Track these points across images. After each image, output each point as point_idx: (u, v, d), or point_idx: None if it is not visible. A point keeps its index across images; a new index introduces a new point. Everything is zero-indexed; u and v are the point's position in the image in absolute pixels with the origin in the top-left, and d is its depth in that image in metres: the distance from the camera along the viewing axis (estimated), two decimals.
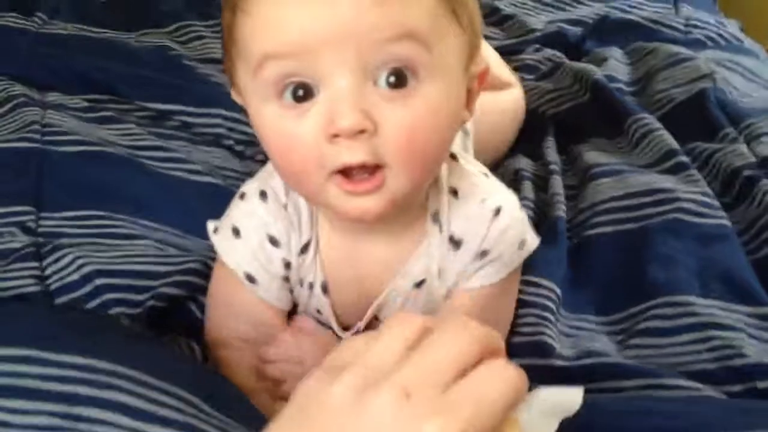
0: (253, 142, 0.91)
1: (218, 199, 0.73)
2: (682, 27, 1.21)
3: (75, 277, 0.67)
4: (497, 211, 0.60)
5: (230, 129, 0.92)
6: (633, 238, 0.78)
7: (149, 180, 0.82)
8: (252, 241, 0.60)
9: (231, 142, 0.92)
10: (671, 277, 0.72)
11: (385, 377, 0.36)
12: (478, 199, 0.60)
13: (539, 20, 1.27)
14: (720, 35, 1.20)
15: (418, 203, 0.59)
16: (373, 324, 0.64)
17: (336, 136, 0.48)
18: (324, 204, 0.54)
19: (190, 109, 0.93)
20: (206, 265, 0.69)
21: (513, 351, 0.64)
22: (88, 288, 0.67)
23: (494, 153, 0.92)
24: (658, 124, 0.92)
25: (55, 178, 0.79)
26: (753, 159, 0.84)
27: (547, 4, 1.35)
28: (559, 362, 0.65)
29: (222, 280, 0.63)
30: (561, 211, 0.81)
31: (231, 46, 0.52)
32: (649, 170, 0.87)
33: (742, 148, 0.86)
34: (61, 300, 0.66)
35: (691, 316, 0.67)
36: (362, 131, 0.48)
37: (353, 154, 0.48)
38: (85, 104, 0.91)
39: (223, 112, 0.93)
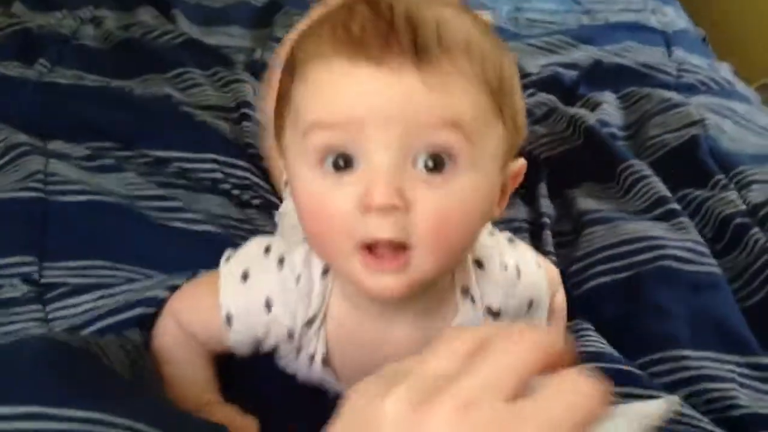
0: (249, 186, 0.93)
1: (218, 248, 0.75)
2: (674, 72, 1.24)
3: (79, 320, 0.68)
4: (518, 270, 0.62)
5: (226, 174, 0.94)
6: (627, 289, 0.79)
7: (150, 230, 0.82)
8: (254, 298, 0.60)
9: (228, 186, 0.93)
10: (665, 329, 0.73)
11: (442, 389, 0.33)
12: (497, 264, 0.61)
13: (534, 64, 1.30)
14: (712, 79, 1.22)
15: (446, 283, 0.59)
16: None
17: (368, 209, 0.49)
18: (345, 275, 0.54)
19: (188, 155, 0.94)
20: None
21: None
22: (90, 330, 0.67)
23: None
24: (648, 171, 0.93)
25: (58, 227, 0.79)
26: (743, 207, 0.85)
27: (541, 48, 1.38)
28: None
29: (204, 295, 0.63)
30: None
31: (284, 108, 0.54)
32: (640, 217, 0.89)
33: (733, 195, 0.87)
34: None
35: (686, 370, 0.68)
36: (394, 207, 0.49)
37: (382, 229, 0.49)
38: (87, 152, 0.92)
39: (219, 157, 0.94)
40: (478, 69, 0.50)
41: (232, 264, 0.62)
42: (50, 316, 0.69)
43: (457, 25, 0.50)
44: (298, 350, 0.62)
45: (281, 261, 0.60)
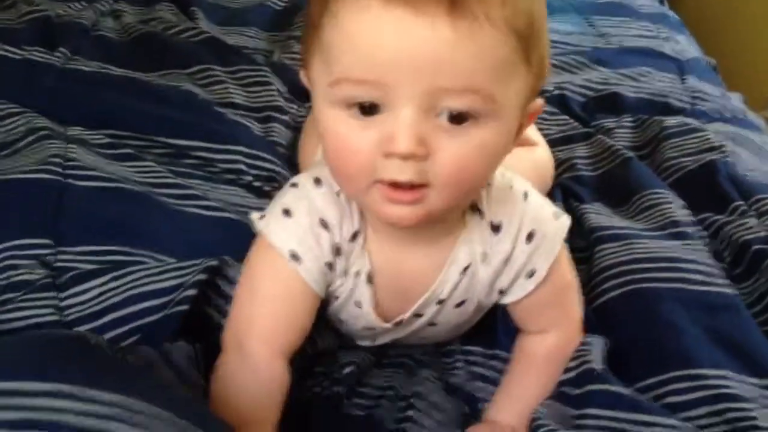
0: (272, 178, 0.93)
1: (235, 233, 0.76)
2: (688, 99, 1.25)
3: (94, 309, 0.68)
4: (525, 195, 0.65)
5: (250, 166, 0.94)
6: (640, 306, 0.78)
7: (166, 216, 0.82)
8: (303, 223, 0.62)
9: (250, 178, 0.93)
10: (682, 348, 0.72)
11: None
12: (507, 185, 0.65)
13: (547, 81, 1.30)
14: (725, 108, 1.23)
15: (458, 212, 0.63)
16: (412, 319, 0.67)
17: (391, 155, 0.52)
18: (364, 204, 0.59)
19: (210, 145, 0.95)
20: (225, 262, 0.70)
21: None
22: (104, 320, 0.67)
23: None
24: (669, 198, 0.93)
25: (74, 212, 0.79)
26: (763, 233, 0.85)
27: (555, 66, 1.38)
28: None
29: (259, 263, 0.64)
30: None
31: (312, 38, 0.56)
32: (652, 234, 0.88)
33: (752, 222, 0.88)
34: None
35: (705, 389, 0.68)
36: (415, 155, 0.52)
37: (402, 173, 0.53)
38: (107, 140, 0.92)
39: (243, 149, 0.95)
40: (510, 15, 0.51)
41: (268, 214, 0.64)
42: (64, 303, 0.69)
43: None
44: (346, 271, 0.64)
45: (317, 181, 0.63)
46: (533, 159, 0.96)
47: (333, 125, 0.55)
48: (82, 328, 0.66)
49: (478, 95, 0.52)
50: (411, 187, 0.54)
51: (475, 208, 0.64)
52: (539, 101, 0.60)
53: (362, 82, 0.52)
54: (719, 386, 0.68)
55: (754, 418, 0.65)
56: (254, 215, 0.65)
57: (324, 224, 0.61)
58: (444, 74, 0.50)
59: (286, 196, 0.63)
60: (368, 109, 0.53)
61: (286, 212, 0.62)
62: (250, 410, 0.59)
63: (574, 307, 0.71)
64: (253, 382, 0.61)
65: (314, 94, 0.57)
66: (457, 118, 0.52)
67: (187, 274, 0.69)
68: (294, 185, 0.64)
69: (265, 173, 0.93)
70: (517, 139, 0.60)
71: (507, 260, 0.65)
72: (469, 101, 0.52)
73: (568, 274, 0.71)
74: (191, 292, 0.67)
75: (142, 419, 0.46)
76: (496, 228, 0.64)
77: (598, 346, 0.71)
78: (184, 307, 0.67)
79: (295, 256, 0.61)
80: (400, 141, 0.52)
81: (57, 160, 0.84)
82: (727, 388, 0.68)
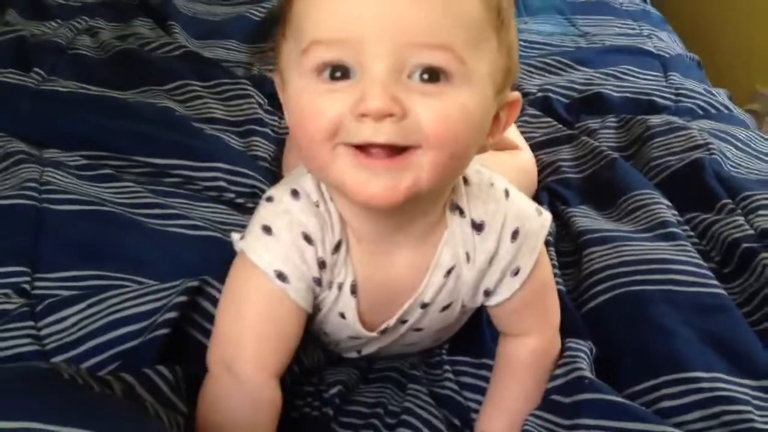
0: (254, 193, 0.92)
1: (219, 251, 0.74)
2: (672, 96, 1.24)
3: (72, 337, 0.66)
4: (506, 192, 0.64)
5: (231, 182, 0.93)
6: (630, 310, 0.77)
7: (147, 238, 0.81)
8: (285, 239, 0.59)
9: (232, 195, 0.92)
10: (673, 350, 0.71)
11: None
12: (486, 183, 0.63)
13: (532, 84, 1.29)
14: (710, 104, 1.23)
15: (440, 204, 0.61)
16: (398, 325, 0.66)
17: (363, 115, 0.51)
18: (337, 183, 0.55)
19: (190, 163, 0.94)
20: (206, 282, 0.69)
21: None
22: (83, 348, 0.66)
23: None
24: (656, 198, 0.92)
25: (52, 237, 0.77)
26: (751, 231, 0.84)
27: (539, 68, 1.38)
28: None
29: (243, 284, 0.61)
30: (561, 285, 0.81)
31: (285, 26, 0.56)
32: (640, 236, 0.88)
33: (740, 220, 0.87)
34: (56, 360, 0.65)
35: (699, 393, 0.67)
36: (390, 115, 0.50)
37: (379, 133, 0.51)
38: (84, 161, 0.91)
39: (224, 165, 0.94)
40: None
41: (248, 233, 0.62)
42: (42, 333, 0.67)
43: None
44: (330, 283, 0.62)
45: (294, 193, 0.61)
46: (517, 163, 0.96)
47: (302, 93, 0.54)
48: (61, 357, 0.65)
49: (449, 53, 0.51)
50: (393, 153, 0.52)
51: (456, 207, 0.62)
52: (516, 93, 0.59)
53: (331, 41, 0.51)
54: (713, 389, 0.67)
55: (752, 420, 0.64)
56: (234, 236, 0.63)
57: (307, 238, 0.59)
58: (413, 28, 0.50)
59: (264, 212, 0.61)
60: (339, 74, 0.52)
61: (266, 229, 0.60)
62: None
63: (555, 308, 0.70)
64: (247, 406, 0.59)
65: (286, 81, 0.56)
66: (430, 77, 0.51)
67: (166, 297, 0.68)
68: (270, 199, 0.62)
69: (247, 189, 0.92)
70: (500, 134, 0.58)
71: (492, 259, 0.63)
72: (440, 57, 0.51)
73: (548, 271, 0.69)
74: (172, 314, 0.66)
75: None
76: (478, 227, 0.62)
77: (586, 352, 0.70)
78: (165, 331, 0.65)
79: (281, 276, 0.59)
80: (372, 97, 0.50)
81: (32, 184, 0.82)
82: (722, 391, 0.67)
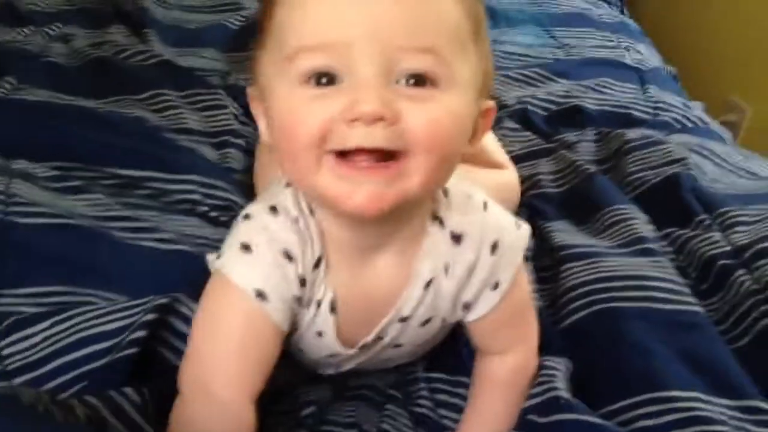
0: (228, 207, 0.91)
1: (192, 266, 0.73)
2: (650, 110, 1.24)
3: (36, 356, 0.64)
4: (485, 205, 0.63)
5: (205, 195, 0.91)
6: (606, 327, 0.77)
7: (117, 251, 0.79)
8: (265, 257, 0.58)
9: (206, 208, 0.90)
10: (650, 369, 0.71)
11: None
12: (465, 195, 0.63)
13: (511, 95, 1.29)
14: (687, 118, 1.23)
15: (422, 213, 0.61)
16: (377, 341, 0.65)
17: (355, 120, 0.50)
18: (317, 195, 0.55)
19: (163, 175, 0.92)
20: (176, 299, 0.68)
21: None
22: (48, 367, 0.64)
23: None
24: (634, 214, 0.92)
25: (17, 251, 0.75)
26: (728, 248, 0.84)
27: (518, 80, 1.38)
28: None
29: (219, 303, 0.59)
30: (539, 301, 0.81)
31: (265, 36, 0.55)
32: (617, 252, 0.87)
33: (717, 236, 0.86)
34: (19, 380, 0.63)
35: (676, 412, 0.66)
36: (381, 119, 0.50)
37: (371, 137, 0.50)
38: (53, 173, 0.89)
39: (198, 178, 0.92)
40: None
41: (225, 251, 0.60)
42: (5, 352, 0.65)
43: None
44: (309, 301, 0.61)
45: (273, 209, 0.59)
46: (501, 182, 0.95)
47: (288, 102, 0.52)
48: (24, 378, 0.63)
49: (436, 57, 0.51)
50: (381, 159, 0.51)
51: (436, 217, 0.62)
52: (491, 101, 0.59)
53: (318, 47, 0.51)
54: (691, 408, 0.66)
55: None
56: (209, 257, 0.62)
57: (288, 255, 0.58)
58: (401, 33, 0.50)
59: (242, 230, 0.60)
60: (326, 81, 0.51)
61: (246, 247, 0.58)
62: None
63: (533, 326, 0.69)
64: (223, 429, 0.58)
65: (268, 90, 0.55)
66: (417, 82, 0.51)
67: (134, 314, 0.66)
68: (248, 217, 0.60)
69: (221, 203, 0.91)
70: (478, 141, 0.58)
71: (471, 271, 0.62)
72: (426, 61, 0.51)
73: (527, 290, 0.69)
74: (140, 333, 0.64)
75: None
76: (457, 238, 0.62)
77: (562, 370, 0.69)
78: (133, 350, 0.64)
79: (261, 295, 0.58)
80: (365, 101, 0.49)
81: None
82: (699, 411, 0.66)
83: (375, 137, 0.50)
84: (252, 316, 0.58)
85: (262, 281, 0.57)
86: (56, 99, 1.05)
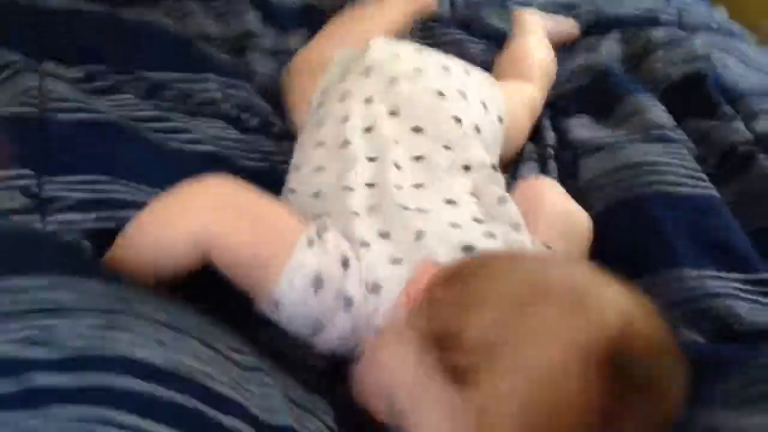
0: (250, 107, 0.92)
1: (217, 168, 0.74)
2: (675, 14, 1.23)
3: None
4: None
5: (226, 95, 0.93)
6: (626, 213, 0.79)
7: (149, 148, 0.81)
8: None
9: (228, 106, 0.92)
10: (665, 249, 0.73)
11: None
12: None
13: (535, 3, 1.28)
14: (712, 18, 1.22)
15: None
16: None
17: None
18: None
19: (184, 75, 0.93)
20: None
21: None
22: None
23: (514, 142, 0.93)
24: (651, 104, 0.92)
25: (56, 143, 0.77)
26: (750, 135, 0.85)
27: None
28: None
29: None
30: None
31: None
32: (635, 142, 0.89)
33: (740, 125, 0.87)
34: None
35: (688, 290, 0.69)
36: None
37: None
38: (83, 75, 0.90)
39: (216, 76, 0.94)
40: None
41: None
42: (48, 228, 0.68)
43: None
44: None
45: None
46: (533, 97, 0.98)
47: None
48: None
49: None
50: None
51: None
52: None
53: None
54: (701, 286, 0.69)
55: (738, 314, 0.65)
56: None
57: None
58: None
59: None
60: None
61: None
62: None
63: None
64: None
65: None
66: None
67: None
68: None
69: (242, 102, 0.92)
70: None
71: None
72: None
73: None
74: None
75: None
76: None
77: None
78: None
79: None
80: None
81: (33, 92, 0.81)
82: (709, 287, 0.69)
83: None
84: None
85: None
86: (80, 5, 1.05)
